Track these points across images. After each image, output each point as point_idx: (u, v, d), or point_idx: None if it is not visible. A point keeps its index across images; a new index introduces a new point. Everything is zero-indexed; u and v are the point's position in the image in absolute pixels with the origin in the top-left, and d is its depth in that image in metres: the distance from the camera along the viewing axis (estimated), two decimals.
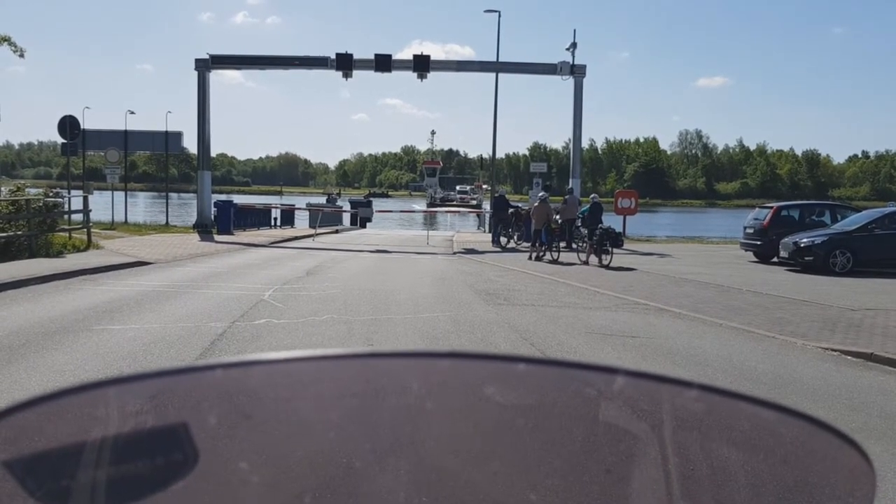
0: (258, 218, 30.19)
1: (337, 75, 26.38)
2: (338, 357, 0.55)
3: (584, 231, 18.27)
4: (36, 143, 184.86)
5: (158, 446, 0.49)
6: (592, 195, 22.27)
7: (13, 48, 19.92)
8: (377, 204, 45.89)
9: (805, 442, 0.54)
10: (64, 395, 0.49)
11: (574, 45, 27.56)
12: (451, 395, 0.55)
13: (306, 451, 0.53)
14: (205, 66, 26.82)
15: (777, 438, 0.55)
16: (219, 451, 0.50)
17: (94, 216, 19.73)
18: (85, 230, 17.83)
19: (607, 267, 16.28)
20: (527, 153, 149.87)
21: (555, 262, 17.75)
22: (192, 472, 0.49)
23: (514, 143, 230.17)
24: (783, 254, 17.00)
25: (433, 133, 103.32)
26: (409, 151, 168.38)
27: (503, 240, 23.48)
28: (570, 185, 24.10)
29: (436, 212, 49.34)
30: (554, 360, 0.57)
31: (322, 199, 54.04)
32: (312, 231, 27.70)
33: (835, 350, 7.90)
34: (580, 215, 20.85)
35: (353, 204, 42.14)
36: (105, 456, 0.49)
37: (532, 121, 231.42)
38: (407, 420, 0.54)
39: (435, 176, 77.95)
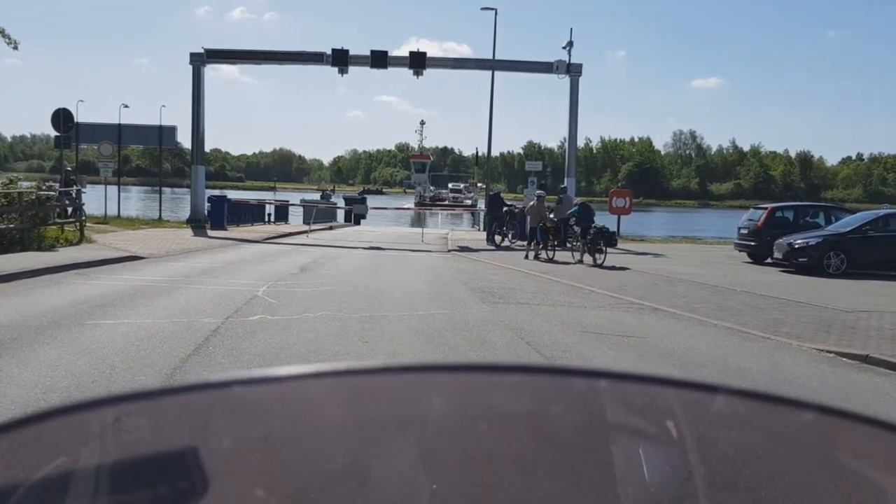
0: (252, 213, 30.02)
1: (332, 71, 26.31)
2: (340, 373, 0.51)
3: (578, 230, 18.27)
4: (29, 135, 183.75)
5: (162, 471, 0.45)
6: (576, 197, 22.12)
7: (7, 40, 19.75)
8: (372, 201, 45.65)
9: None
10: (49, 416, 0.44)
11: (570, 44, 27.52)
12: (468, 409, 0.52)
13: (319, 471, 0.49)
14: (200, 61, 26.69)
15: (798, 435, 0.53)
16: (229, 473, 0.47)
17: (86, 210, 19.61)
18: (77, 224, 17.73)
19: (601, 266, 16.29)
20: (521, 152, 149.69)
21: (550, 260, 17.76)
22: (202, 497, 0.45)
23: (509, 142, 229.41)
24: (777, 255, 17.02)
25: (422, 124, 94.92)
26: (403, 149, 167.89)
27: (498, 238, 23.44)
28: (564, 184, 24.05)
29: (425, 212, 41.55)
30: (586, 369, 0.54)
31: (316, 196, 53.83)
32: (307, 227, 27.60)
33: (830, 352, 7.90)
34: (572, 214, 20.83)
35: (348, 200, 41.96)
36: (98, 487, 0.44)
37: (527, 119, 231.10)
38: (422, 437, 0.51)
39: (424, 172, 67.05)
